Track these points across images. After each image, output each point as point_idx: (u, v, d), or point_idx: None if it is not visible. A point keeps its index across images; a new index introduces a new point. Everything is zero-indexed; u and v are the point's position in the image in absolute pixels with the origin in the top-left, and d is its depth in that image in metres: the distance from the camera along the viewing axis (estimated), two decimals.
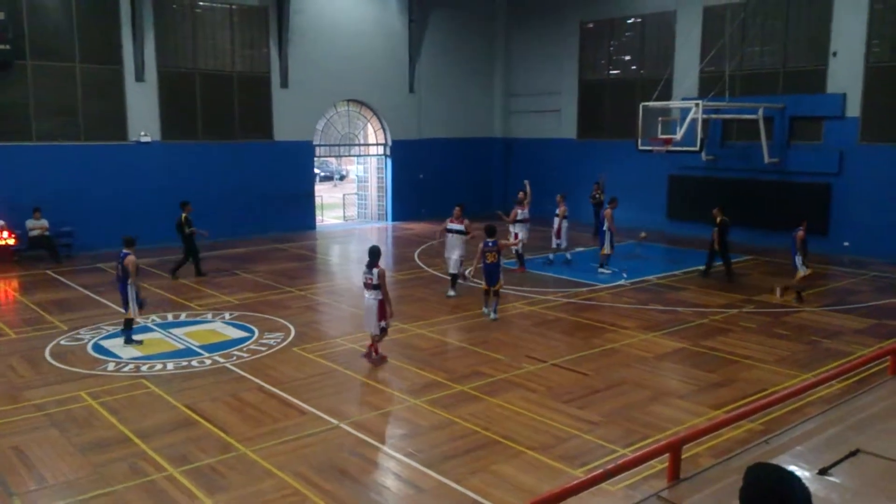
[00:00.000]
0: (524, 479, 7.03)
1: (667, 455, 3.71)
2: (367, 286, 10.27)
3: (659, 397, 9.16)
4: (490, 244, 12.69)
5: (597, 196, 21.02)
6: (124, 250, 11.00)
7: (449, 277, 14.48)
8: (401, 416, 8.63)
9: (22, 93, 18.03)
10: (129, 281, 10.81)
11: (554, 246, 17.45)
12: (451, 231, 14.07)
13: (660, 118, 19.24)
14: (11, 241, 17.05)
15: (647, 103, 19.38)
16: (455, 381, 9.70)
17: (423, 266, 17.36)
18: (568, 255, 17.67)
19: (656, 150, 18.79)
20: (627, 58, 24.03)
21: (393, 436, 8.12)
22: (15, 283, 15.59)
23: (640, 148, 19.23)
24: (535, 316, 13.05)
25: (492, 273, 12.68)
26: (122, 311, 11.20)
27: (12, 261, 17.02)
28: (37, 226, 17.65)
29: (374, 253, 10.25)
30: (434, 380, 9.76)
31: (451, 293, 14.24)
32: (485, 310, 12.99)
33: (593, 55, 24.83)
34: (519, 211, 16.68)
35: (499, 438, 7.90)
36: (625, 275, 16.14)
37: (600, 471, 3.60)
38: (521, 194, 17.05)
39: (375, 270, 10.12)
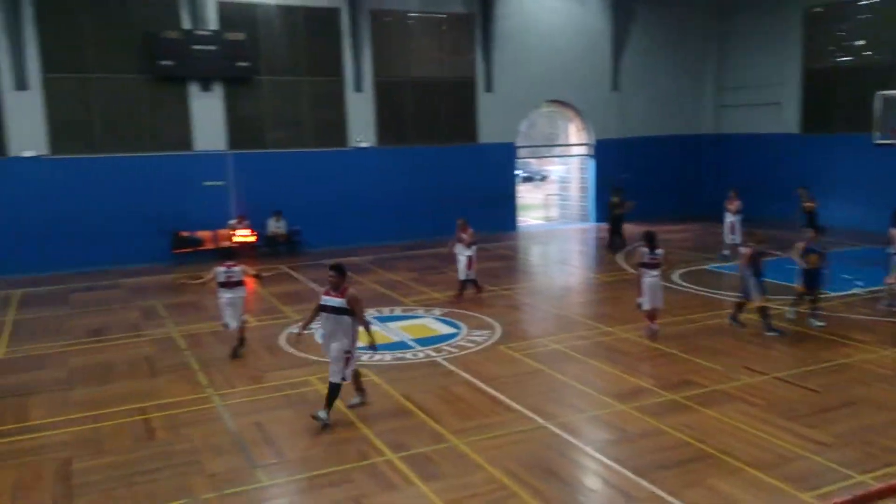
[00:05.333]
0: (744, 497, 6.61)
1: None
2: (651, 265, 11.37)
3: None
4: (817, 248, 11.85)
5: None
6: (747, 244, 11.81)
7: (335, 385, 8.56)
8: (608, 421, 8.49)
9: (258, 105, 20.15)
10: (743, 271, 11.59)
11: (728, 242, 17.58)
12: (326, 308, 8.52)
13: None
14: (252, 239, 19.09)
15: (885, 92, 17.37)
16: (664, 388, 9.36)
17: (627, 269, 16.94)
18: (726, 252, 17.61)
19: None
20: (861, 42, 21.68)
21: (600, 440, 8.01)
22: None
23: (877, 142, 17.31)
24: (754, 324, 12.18)
25: (816, 278, 11.89)
26: (743, 297, 11.82)
27: (254, 256, 19.04)
28: (277, 227, 19.66)
29: (654, 236, 11.48)
30: (642, 386, 9.49)
31: (356, 400, 9.08)
32: (790, 315, 12.28)
33: (820, 42, 22.69)
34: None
35: (715, 452, 7.51)
36: (859, 283, 14.60)
37: (847, 496, 3.31)
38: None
39: (659, 251, 11.40)
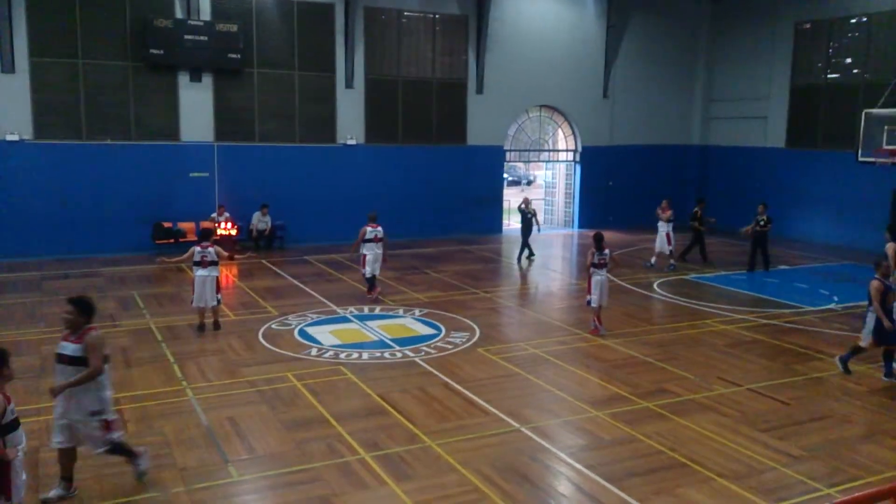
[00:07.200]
0: None
1: (890, 500, 3.36)
2: (600, 265, 12.08)
3: (872, 436, 8.29)
4: (892, 286, 9.95)
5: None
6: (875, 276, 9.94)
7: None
8: (582, 427, 8.52)
9: (248, 97, 20.02)
10: (871, 307, 9.86)
11: (668, 252, 17.83)
12: (61, 358, 6.43)
13: (886, 127, 17.33)
14: (234, 232, 18.97)
15: (871, 110, 17.60)
16: (639, 396, 9.42)
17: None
18: (673, 262, 17.98)
19: (879, 161, 17.00)
20: (849, 60, 21.94)
21: (573, 445, 8.04)
22: (235, 270, 17.35)
23: (861, 159, 17.51)
24: (730, 335, 12.31)
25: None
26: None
27: (234, 249, 18.94)
28: (262, 221, 19.55)
29: (602, 238, 12.16)
30: (617, 393, 9.55)
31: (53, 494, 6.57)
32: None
33: (809, 58, 22.93)
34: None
35: (686, 461, 7.56)
36: (835, 298, 14.76)
37: None
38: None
39: (607, 252, 12.12)
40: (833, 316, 13.70)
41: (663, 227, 17.71)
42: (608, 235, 19.45)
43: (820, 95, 22.55)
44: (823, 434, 8.34)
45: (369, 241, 14.03)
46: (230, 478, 7.12)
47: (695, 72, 26.21)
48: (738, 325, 12.96)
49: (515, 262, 19.04)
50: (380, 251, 14.13)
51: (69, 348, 6.35)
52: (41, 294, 14.53)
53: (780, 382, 10.02)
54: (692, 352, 11.36)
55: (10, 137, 17.54)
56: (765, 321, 13.21)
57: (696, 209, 18.74)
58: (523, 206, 19.22)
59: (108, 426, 6.58)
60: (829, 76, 22.43)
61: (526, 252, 19.05)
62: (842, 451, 7.86)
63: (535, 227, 19.10)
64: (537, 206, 27.51)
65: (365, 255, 14.07)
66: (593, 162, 24.90)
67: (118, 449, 6.79)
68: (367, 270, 14.18)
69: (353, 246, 14.32)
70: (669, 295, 15.21)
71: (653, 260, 18.14)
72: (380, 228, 14.16)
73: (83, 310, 6.45)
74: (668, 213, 17.79)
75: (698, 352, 11.37)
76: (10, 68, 17.36)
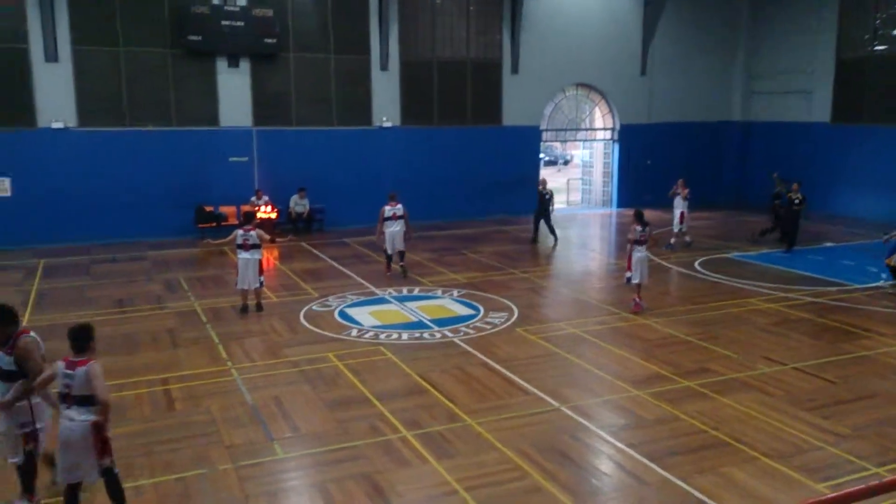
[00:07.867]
0: (757, 486, 6.61)
1: None
2: (642, 242, 12.01)
3: None
4: None
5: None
6: None
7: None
8: (622, 406, 8.50)
9: (285, 81, 20.16)
10: None
11: (676, 230, 17.68)
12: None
13: None
14: (273, 216, 19.21)
15: None
16: (681, 375, 9.34)
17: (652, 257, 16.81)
18: (688, 239, 17.86)
19: None
20: None
21: (614, 425, 8.02)
22: (276, 253, 17.58)
23: None
24: (775, 314, 12.10)
25: None
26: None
27: (274, 232, 19.13)
28: (299, 204, 19.75)
29: (643, 214, 12.20)
30: (658, 372, 9.48)
31: None
32: None
33: (855, 29, 22.19)
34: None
35: (729, 440, 7.49)
36: (883, 276, 14.40)
37: (860, 486, 3.30)
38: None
39: (648, 228, 12.13)
40: (881, 293, 13.37)
41: (679, 205, 17.57)
42: (647, 214, 19.28)
43: (867, 68, 21.84)
44: (871, 413, 8.19)
45: (388, 219, 14.52)
46: (276, 455, 7.28)
47: (736, 46, 25.56)
48: (782, 303, 12.73)
49: (548, 242, 18.71)
50: (399, 228, 14.54)
51: (3, 360, 5.86)
52: (90, 278, 14.94)
53: (826, 361, 9.84)
54: (735, 331, 11.20)
55: (55, 125, 17.97)
56: (810, 299, 12.96)
57: (777, 189, 18.42)
58: (540, 187, 18.99)
59: (27, 438, 5.96)
60: (876, 48, 21.70)
61: (530, 235, 18.89)
62: (890, 431, 7.71)
63: (551, 210, 18.78)
64: (574, 185, 27.43)
65: (383, 234, 14.61)
66: (631, 140, 24.54)
67: (30, 461, 6.06)
68: (389, 248, 14.69)
69: (378, 228, 14.72)
70: (711, 273, 14.99)
71: (687, 238, 17.86)
72: (399, 206, 14.63)
73: (4, 319, 5.89)
74: (686, 191, 17.60)
75: (741, 331, 11.21)
76: (54, 57, 17.74)
